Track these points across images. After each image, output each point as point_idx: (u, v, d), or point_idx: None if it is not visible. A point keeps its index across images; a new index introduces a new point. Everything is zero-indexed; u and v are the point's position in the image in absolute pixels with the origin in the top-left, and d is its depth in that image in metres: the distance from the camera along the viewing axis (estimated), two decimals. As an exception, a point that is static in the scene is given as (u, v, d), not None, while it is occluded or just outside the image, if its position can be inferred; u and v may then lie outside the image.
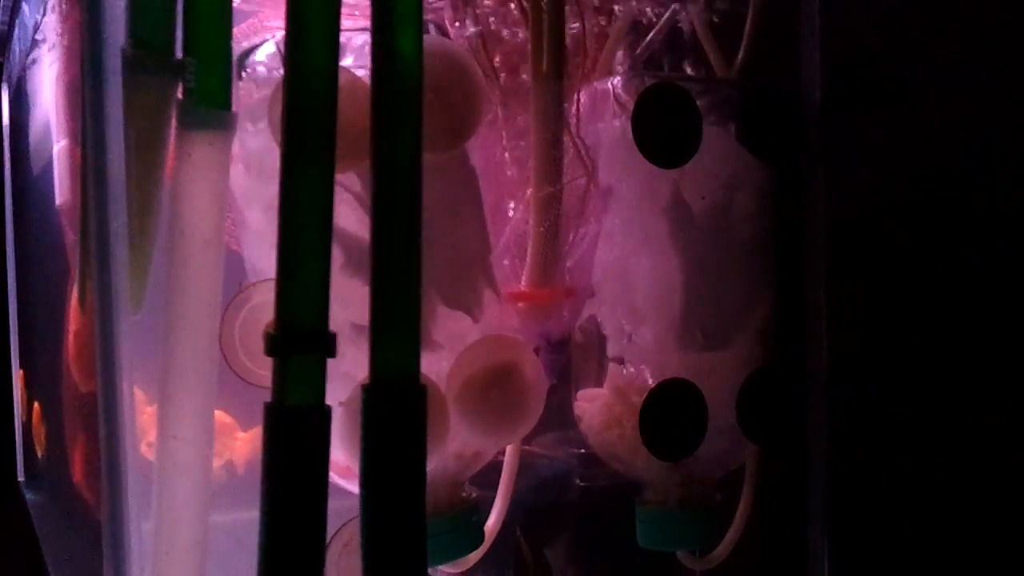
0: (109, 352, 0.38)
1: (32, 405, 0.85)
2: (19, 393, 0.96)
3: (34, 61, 0.66)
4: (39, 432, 0.81)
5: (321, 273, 0.35)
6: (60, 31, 0.54)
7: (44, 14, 0.59)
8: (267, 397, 0.36)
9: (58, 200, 0.57)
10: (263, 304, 0.42)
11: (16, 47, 0.77)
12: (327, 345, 0.36)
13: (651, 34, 0.52)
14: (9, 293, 0.96)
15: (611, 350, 0.52)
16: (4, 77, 0.91)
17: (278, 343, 0.35)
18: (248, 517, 0.38)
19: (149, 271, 0.38)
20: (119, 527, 0.40)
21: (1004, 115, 0.51)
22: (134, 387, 0.40)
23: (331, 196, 0.36)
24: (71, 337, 0.55)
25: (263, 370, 0.40)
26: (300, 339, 0.35)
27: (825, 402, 0.54)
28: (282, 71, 0.37)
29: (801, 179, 0.53)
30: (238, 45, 0.43)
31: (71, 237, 0.54)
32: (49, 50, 0.58)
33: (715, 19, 0.52)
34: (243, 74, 0.43)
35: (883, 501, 0.54)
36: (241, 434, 0.52)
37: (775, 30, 0.53)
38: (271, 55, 0.43)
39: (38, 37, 0.62)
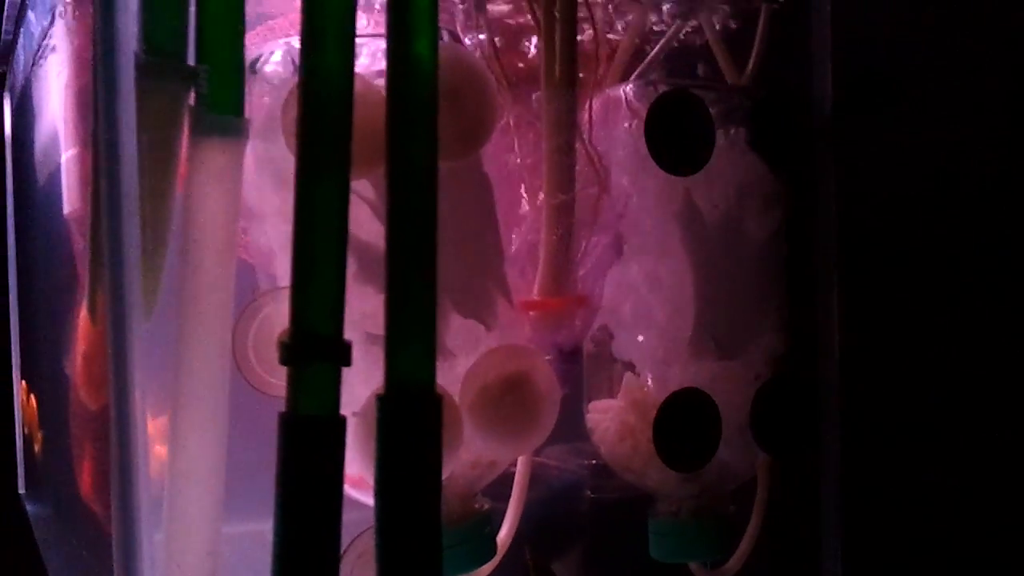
0: (121, 361, 0.38)
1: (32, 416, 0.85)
2: (20, 405, 0.95)
3: (41, 69, 0.65)
4: (35, 431, 0.80)
5: (336, 281, 0.35)
6: (70, 38, 0.54)
7: (52, 22, 0.59)
8: (281, 407, 0.35)
9: (66, 209, 0.57)
10: (276, 313, 0.42)
11: (20, 56, 0.77)
12: (342, 354, 0.35)
13: (663, 41, 0.52)
14: (11, 304, 0.95)
15: (621, 354, 0.52)
16: (7, 87, 0.91)
17: (292, 351, 0.35)
18: (254, 529, 0.37)
19: (161, 279, 0.38)
20: (131, 538, 0.39)
21: (1013, 119, 0.51)
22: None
23: (347, 203, 0.35)
24: (79, 355, 0.55)
25: (276, 379, 0.40)
26: (315, 347, 0.35)
27: (838, 411, 0.53)
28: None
29: (813, 186, 0.53)
30: (251, 51, 0.43)
31: (80, 246, 0.53)
32: (61, 54, 0.58)
33: (732, 25, 0.52)
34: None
35: (897, 511, 0.54)
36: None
37: (786, 37, 0.53)
38: (284, 61, 0.43)
39: (45, 45, 0.62)
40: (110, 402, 0.38)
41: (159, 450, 0.39)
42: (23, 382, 0.94)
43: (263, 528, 0.35)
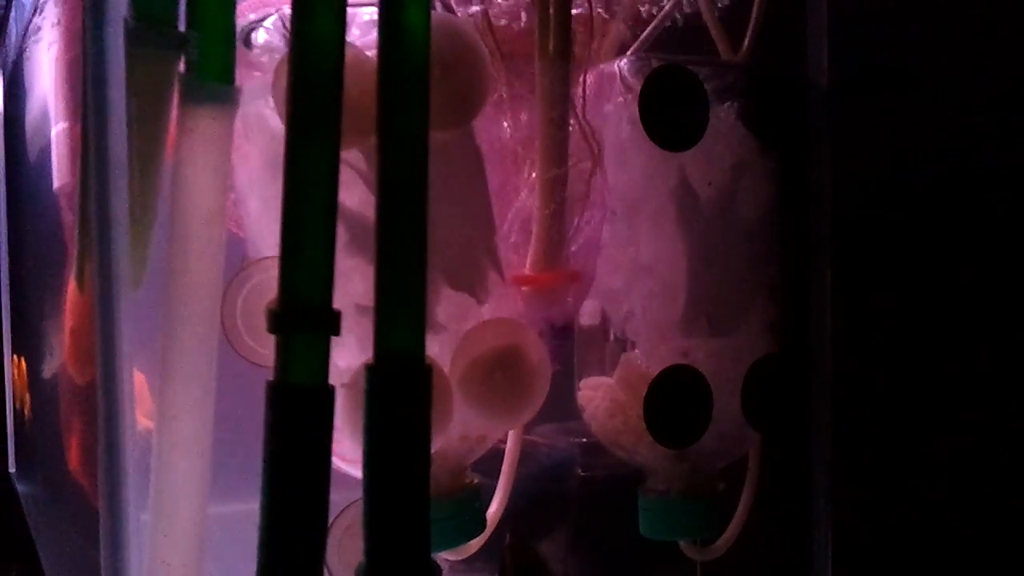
0: (109, 330, 0.38)
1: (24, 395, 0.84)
2: (11, 381, 0.95)
3: (32, 43, 0.65)
4: (25, 396, 0.80)
5: (325, 250, 0.35)
6: (61, 9, 0.54)
7: (43, -5, 0.58)
8: (269, 376, 0.35)
9: (56, 183, 0.57)
10: (265, 282, 0.42)
11: (12, 31, 0.76)
12: (331, 323, 0.35)
13: (660, 16, 0.52)
14: (2, 281, 0.95)
15: (615, 338, 0.52)
16: (0, 62, 0.90)
17: (281, 320, 0.34)
18: (241, 509, 0.37)
19: (150, 248, 0.38)
20: (118, 511, 0.39)
21: (1010, 103, 0.51)
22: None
23: (336, 172, 0.35)
24: (67, 330, 0.55)
25: (265, 349, 0.39)
26: (304, 316, 0.35)
27: (829, 390, 0.53)
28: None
29: (807, 165, 0.53)
30: (243, 19, 0.42)
31: (69, 220, 0.53)
32: (52, 27, 0.57)
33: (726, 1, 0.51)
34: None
35: (886, 490, 0.54)
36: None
37: (783, 14, 0.53)
38: (276, 29, 0.42)
39: (37, 19, 0.61)
40: (97, 371, 0.38)
41: (147, 420, 0.39)
42: (14, 356, 0.94)
43: (252, 507, 0.35)
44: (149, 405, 0.39)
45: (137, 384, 0.40)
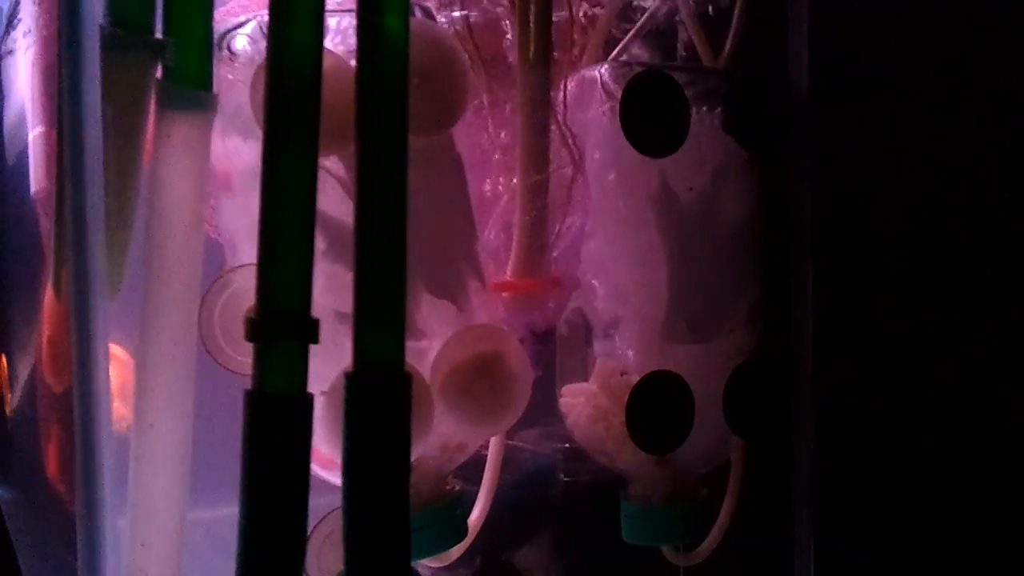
0: (86, 337, 0.37)
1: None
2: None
3: (9, 49, 0.64)
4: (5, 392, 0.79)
5: (304, 257, 0.35)
6: (37, 14, 0.53)
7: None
8: (247, 384, 0.35)
9: (33, 188, 0.56)
10: (244, 289, 0.41)
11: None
12: (310, 331, 0.35)
13: (640, 22, 0.52)
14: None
15: (597, 343, 0.52)
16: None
17: (259, 328, 0.34)
18: (220, 514, 0.37)
19: (127, 255, 0.38)
20: (94, 514, 0.39)
21: (989, 107, 0.51)
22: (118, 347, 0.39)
23: (315, 179, 0.35)
24: (44, 338, 0.54)
25: (243, 357, 0.39)
26: (282, 324, 0.34)
27: (811, 395, 0.53)
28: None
29: (788, 169, 0.53)
30: (221, 25, 0.42)
31: (46, 226, 0.52)
32: (25, 35, 0.57)
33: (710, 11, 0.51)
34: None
35: (869, 495, 0.54)
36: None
37: (763, 20, 0.53)
38: (254, 35, 0.42)
39: (13, 23, 0.61)
40: (73, 378, 0.38)
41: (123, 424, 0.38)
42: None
43: (232, 512, 0.35)
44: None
45: (122, 377, 0.40)
